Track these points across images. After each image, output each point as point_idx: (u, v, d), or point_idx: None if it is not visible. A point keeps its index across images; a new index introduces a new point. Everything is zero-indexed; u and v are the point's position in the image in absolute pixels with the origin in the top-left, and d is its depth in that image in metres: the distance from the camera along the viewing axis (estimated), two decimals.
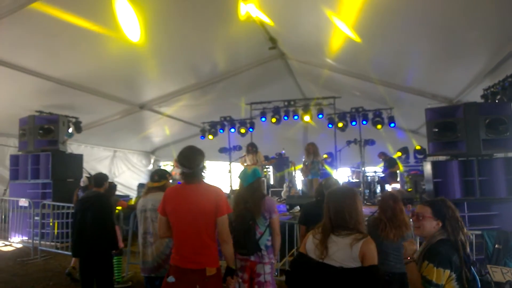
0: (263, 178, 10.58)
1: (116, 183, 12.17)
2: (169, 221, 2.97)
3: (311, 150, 9.15)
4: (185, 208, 2.87)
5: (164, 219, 2.99)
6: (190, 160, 2.95)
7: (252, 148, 9.60)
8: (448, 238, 2.37)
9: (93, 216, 4.47)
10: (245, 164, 9.65)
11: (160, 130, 12.73)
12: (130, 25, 6.08)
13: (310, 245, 2.49)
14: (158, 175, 4.14)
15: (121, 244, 5.96)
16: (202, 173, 3.00)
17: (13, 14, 5.10)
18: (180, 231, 2.91)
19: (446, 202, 2.49)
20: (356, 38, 6.39)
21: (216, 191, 2.93)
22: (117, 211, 6.19)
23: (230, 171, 11.54)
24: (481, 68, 6.24)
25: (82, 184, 6.66)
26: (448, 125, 5.71)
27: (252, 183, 3.63)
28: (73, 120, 8.85)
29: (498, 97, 5.81)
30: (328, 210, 2.50)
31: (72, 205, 6.81)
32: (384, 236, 3.60)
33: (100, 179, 4.92)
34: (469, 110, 5.58)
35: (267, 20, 7.19)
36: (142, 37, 6.46)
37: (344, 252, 2.34)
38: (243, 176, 3.72)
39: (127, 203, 6.20)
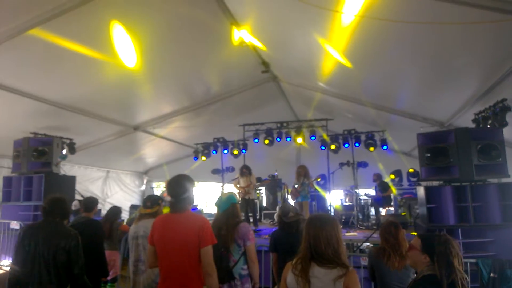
0: (256, 200, 10.56)
1: (108, 203, 12.13)
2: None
3: (302, 172, 9.17)
4: (169, 238, 2.85)
5: (152, 248, 2.97)
6: (175, 189, 2.96)
7: (246, 170, 9.58)
8: (435, 274, 2.29)
9: (84, 243, 4.38)
10: (238, 186, 9.60)
11: (153, 151, 12.69)
12: (127, 51, 6.15)
13: (291, 279, 2.41)
14: (151, 201, 4.12)
15: (117, 272, 5.85)
16: (188, 203, 2.97)
17: (11, 39, 5.13)
18: (165, 261, 2.88)
19: (441, 238, 2.41)
20: (347, 63, 6.48)
21: (200, 220, 2.90)
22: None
23: (228, 192, 11.47)
24: (472, 93, 6.33)
25: (73, 207, 6.58)
26: (440, 150, 5.75)
27: (227, 209, 3.58)
28: (67, 141, 8.83)
29: (490, 122, 5.88)
30: (308, 237, 2.43)
31: None
32: (391, 265, 3.52)
33: (90, 203, 4.87)
34: (461, 136, 5.63)
35: (259, 45, 7.30)
36: (138, 63, 6.53)
37: None
38: (218, 202, 3.68)
39: (128, 227, 6.12)
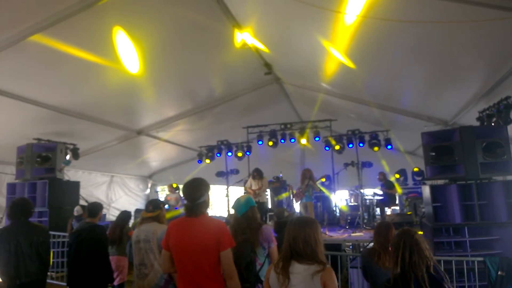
0: (265, 202, 10.57)
1: (113, 208, 12.17)
2: (172, 256, 2.91)
3: (307, 175, 9.16)
4: (186, 242, 2.82)
5: (167, 254, 2.93)
6: (192, 193, 2.94)
7: (257, 174, 9.59)
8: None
9: (88, 248, 4.42)
10: (251, 189, 9.61)
11: (157, 155, 12.72)
12: (129, 57, 6.17)
13: (272, 278, 2.55)
14: (153, 205, 4.13)
15: (124, 278, 5.84)
16: (204, 206, 2.97)
17: (13, 46, 5.15)
18: (183, 266, 2.85)
19: (399, 232, 2.61)
20: (350, 64, 6.47)
21: (218, 224, 2.88)
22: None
23: (227, 195, 11.48)
24: (476, 91, 6.30)
25: (76, 213, 6.59)
26: (445, 149, 5.72)
27: (246, 212, 3.55)
28: (71, 147, 8.87)
29: (494, 119, 5.85)
30: (288, 238, 2.57)
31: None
32: (381, 265, 3.57)
33: (94, 209, 4.87)
34: (465, 134, 5.60)
35: (262, 47, 7.31)
36: (141, 68, 6.55)
37: (305, 284, 2.41)
38: (236, 205, 3.66)
39: None
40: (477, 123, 6.36)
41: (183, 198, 11.29)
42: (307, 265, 2.45)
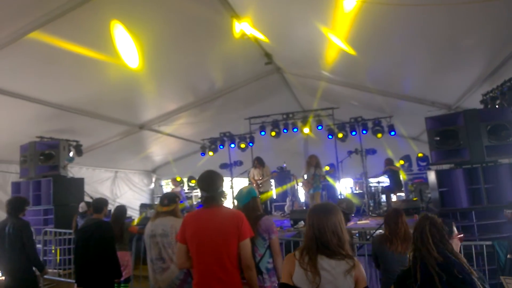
0: (270, 189, 10.58)
1: (118, 203, 12.18)
2: (188, 250, 2.89)
3: (313, 162, 9.05)
4: (206, 232, 2.82)
5: (183, 247, 2.91)
6: (210, 184, 2.96)
7: (258, 162, 9.56)
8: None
9: (95, 245, 4.42)
10: (254, 178, 9.58)
11: (160, 149, 12.72)
12: (129, 52, 6.12)
13: (299, 274, 2.30)
14: (168, 199, 4.07)
15: (129, 272, 5.86)
16: (223, 196, 2.99)
17: (12, 44, 5.11)
18: (201, 257, 2.83)
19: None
20: (351, 51, 6.39)
21: (237, 214, 2.91)
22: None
23: (232, 187, 11.49)
24: (479, 74, 6.23)
25: (80, 210, 6.58)
26: (449, 133, 5.66)
27: (247, 203, 3.54)
28: (74, 143, 8.87)
29: (498, 102, 5.78)
30: (312, 227, 2.37)
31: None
32: (394, 250, 3.58)
33: (99, 204, 4.86)
34: (470, 117, 5.54)
35: (261, 37, 7.23)
36: (141, 63, 6.50)
37: (338, 282, 2.23)
38: (239, 196, 3.65)
39: (137, 229, 6.09)
40: (481, 106, 6.29)
41: (183, 191, 11.27)
42: (337, 261, 2.26)
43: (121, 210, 6.10)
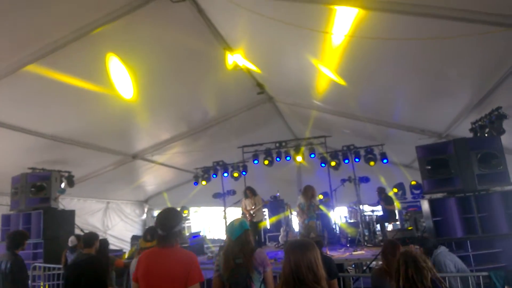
0: (264, 219, 10.42)
1: (109, 235, 11.94)
2: None
3: (309, 194, 8.96)
4: (155, 274, 2.75)
5: (135, 285, 2.86)
6: (164, 223, 2.88)
7: (250, 192, 9.50)
8: None
9: (87, 281, 4.28)
10: (246, 209, 9.49)
11: (153, 179, 12.62)
12: (123, 83, 6.21)
13: None
14: (151, 234, 4.03)
15: None
16: (178, 236, 2.90)
17: (8, 76, 5.17)
18: None
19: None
20: (341, 81, 6.53)
21: (189, 257, 2.82)
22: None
23: (225, 217, 11.36)
24: (466, 103, 6.36)
25: (70, 244, 6.41)
26: (440, 162, 5.73)
27: (239, 236, 3.45)
28: (66, 174, 8.74)
29: (487, 130, 5.88)
30: (289, 263, 2.43)
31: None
32: (393, 284, 3.52)
33: (89, 239, 4.75)
34: (460, 146, 5.62)
35: (253, 67, 7.38)
36: (135, 93, 6.60)
37: None
38: (230, 229, 3.55)
39: (123, 263, 5.92)
40: (471, 134, 6.39)
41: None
42: None
43: (103, 243, 5.93)
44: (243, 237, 3.46)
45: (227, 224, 3.68)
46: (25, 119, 6.56)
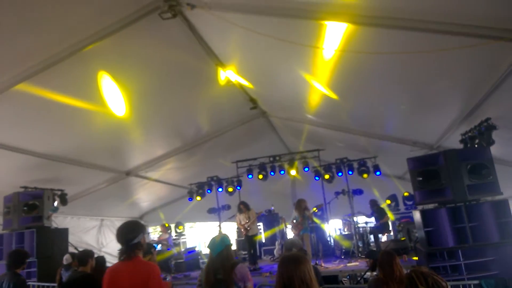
0: (259, 234, 10.36)
1: (104, 253, 11.80)
2: None
3: (303, 206, 9.05)
4: (117, 287, 2.78)
5: None
6: (125, 235, 2.90)
7: (244, 207, 9.52)
8: None
9: None
10: (241, 223, 9.48)
11: (147, 195, 12.55)
12: (115, 100, 6.25)
13: None
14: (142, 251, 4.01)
15: None
16: (137, 248, 2.90)
17: None
18: None
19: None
20: (333, 95, 6.64)
21: (148, 268, 2.83)
22: None
23: (220, 232, 11.31)
24: (456, 115, 6.46)
25: (65, 262, 6.34)
26: (431, 173, 5.80)
27: (221, 252, 3.49)
28: (59, 193, 8.70)
29: (477, 141, 5.98)
30: (282, 277, 2.46)
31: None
32: None
33: (84, 256, 4.73)
34: (450, 157, 5.70)
35: (246, 83, 7.47)
36: (127, 110, 6.63)
37: None
38: (212, 245, 3.60)
39: None
40: (461, 146, 6.49)
41: (171, 238, 10.88)
42: None
43: (100, 261, 5.89)
44: (224, 252, 3.51)
45: (210, 240, 3.71)
46: (16, 138, 6.54)
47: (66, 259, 6.28)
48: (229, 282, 3.32)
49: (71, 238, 8.91)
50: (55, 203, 8.52)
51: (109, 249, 12.14)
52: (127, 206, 12.75)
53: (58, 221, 9.47)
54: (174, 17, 4.89)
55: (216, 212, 11.66)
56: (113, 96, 6.15)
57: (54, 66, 5.02)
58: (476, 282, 4.57)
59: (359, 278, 6.80)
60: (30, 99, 5.54)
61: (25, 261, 4.70)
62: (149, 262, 2.97)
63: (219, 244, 3.55)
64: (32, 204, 8.00)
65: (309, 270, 2.45)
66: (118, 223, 12.97)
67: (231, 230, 12.92)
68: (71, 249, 8.24)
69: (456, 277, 5.19)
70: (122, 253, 2.88)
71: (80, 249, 7.42)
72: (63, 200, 8.72)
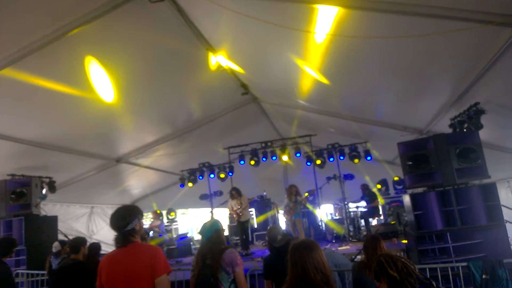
0: (251, 220, 10.41)
1: (94, 240, 11.78)
2: None
3: (294, 191, 9.12)
4: (119, 275, 2.67)
5: None
6: (118, 222, 2.80)
7: (235, 193, 9.54)
8: None
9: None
10: (233, 209, 9.51)
11: (138, 182, 12.49)
12: (104, 86, 6.12)
13: None
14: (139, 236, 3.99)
15: None
16: (132, 234, 2.80)
17: None
18: None
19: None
20: (324, 80, 6.60)
21: (150, 250, 2.77)
22: None
23: (212, 218, 11.34)
24: (446, 99, 6.49)
25: (54, 249, 6.28)
26: (421, 158, 5.83)
27: (211, 237, 3.52)
28: (47, 180, 8.61)
29: (466, 126, 6.03)
30: (295, 267, 2.37)
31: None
32: (373, 277, 3.58)
33: (76, 244, 4.69)
34: (439, 141, 5.73)
35: (237, 68, 7.39)
36: (116, 96, 6.52)
37: None
38: (203, 230, 3.63)
39: None
40: (450, 130, 6.54)
41: (163, 225, 10.82)
42: None
43: (95, 247, 5.86)
44: (214, 237, 3.53)
45: (201, 226, 3.72)
46: (1, 125, 6.43)
47: (55, 246, 6.23)
48: (216, 267, 3.33)
49: (61, 226, 8.87)
50: (44, 191, 8.44)
51: (100, 236, 12.11)
52: (118, 193, 12.68)
53: (47, 208, 9.40)
54: (163, 0, 4.77)
55: (208, 198, 11.67)
56: (102, 82, 6.03)
57: (40, 50, 4.89)
58: (464, 264, 4.65)
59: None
60: (15, 85, 5.41)
61: (13, 249, 4.65)
62: (150, 245, 2.90)
63: (209, 229, 3.59)
64: (19, 192, 7.92)
65: (321, 256, 2.38)
66: (109, 210, 13.06)
67: (223, 216, 12.96)
68: (60, 237, 8.19)
69: (444, 259, 5.28)
70: (118, 239, 2.80)
71: (70, 237, 7.39)
72: (52, 187, 8.64)
